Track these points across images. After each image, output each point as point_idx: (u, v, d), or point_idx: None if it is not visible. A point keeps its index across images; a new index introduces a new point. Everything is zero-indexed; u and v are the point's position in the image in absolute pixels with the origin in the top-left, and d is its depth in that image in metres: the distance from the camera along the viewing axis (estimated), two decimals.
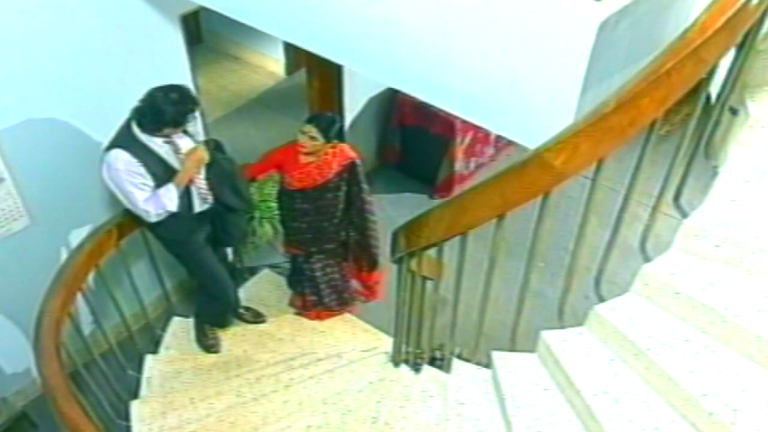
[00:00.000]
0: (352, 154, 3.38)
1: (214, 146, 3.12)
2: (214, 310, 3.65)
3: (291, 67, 6.14)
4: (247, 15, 2.57)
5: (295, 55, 5.90)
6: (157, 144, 2.83)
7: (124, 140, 2.80)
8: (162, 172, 2.87)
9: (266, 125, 5.55)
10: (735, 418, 1.74)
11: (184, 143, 2.95)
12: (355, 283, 3.94)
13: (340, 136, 3.34)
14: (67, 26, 2.83)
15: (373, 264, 3.79)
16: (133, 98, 2.80)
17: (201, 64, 4.97)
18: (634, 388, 2.02)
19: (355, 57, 2.38)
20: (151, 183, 2.85)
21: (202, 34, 6.33)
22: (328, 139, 3.22)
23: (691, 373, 1.87)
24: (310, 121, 3.25)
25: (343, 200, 3.47)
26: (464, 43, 2.00)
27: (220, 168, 3.07)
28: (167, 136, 2.84)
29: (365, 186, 3.47)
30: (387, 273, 3.63)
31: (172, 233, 3.08)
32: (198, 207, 3.05)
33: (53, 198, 3.18)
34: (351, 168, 3.38)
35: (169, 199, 2.88)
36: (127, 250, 3.26)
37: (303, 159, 3.29)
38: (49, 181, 3.13)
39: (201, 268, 3.34)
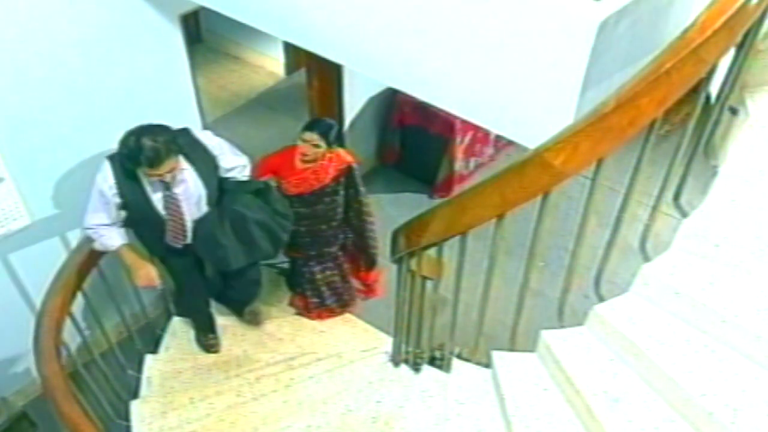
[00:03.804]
0: (349, 158, 3.37)
1: (252, 198, 3.00)
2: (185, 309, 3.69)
3: (291, 67, 6.14)
4: (247, 15, 2.57)
5: (295, 55, 5.89)
6: (147, 179, 2.74)
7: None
8: (139, 205, 2.79)
9: (266, 125, 5.55)
10: (735, 418, 1.74)
11: (181, 178, 2.78)
12: (355, 283, 3.94)
13: (339, 140, 3.33)
14: (66, 26, 2.83)
15: (370, 264, 3.79)
16: (133, 98, 2.80)
17: (201, 64, 4.98)
18: (634, 388, 2.02)
19: (355, 57, 2.38)
20: (108, 220, 2.80)
21: (202, 33, 6.33)
22: (329, 145, 3.21)
23: (691, 373, 1.87)
24: (311, 128, 3.21)
25: (342, 204, 3.46)
26: (464, 42, 2.00)
27: (248, 231, 2.98)
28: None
29: (362, 189, 3.46)
30: (387, 272, 3.63)
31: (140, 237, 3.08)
32: (170, 241, 2.98)
33: (53, 198, 3.18)
34: (347, 172, 3.36)
35: (108, 242, 2.84)
36: None
37: (299, 165, 3.28)
38: (49, 181, 3.14)
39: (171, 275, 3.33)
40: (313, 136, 3.16)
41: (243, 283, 3.40)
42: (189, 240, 2.97)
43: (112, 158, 2.73)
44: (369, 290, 3.97)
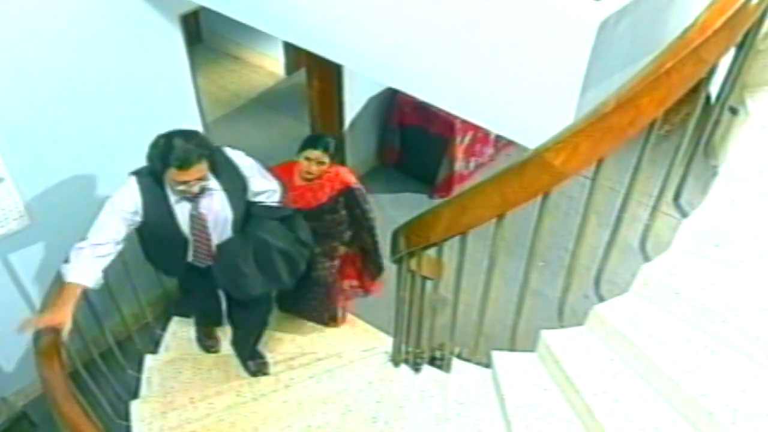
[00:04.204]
0: (349, 179, 3.28)
1: (286, 230, 2.91)
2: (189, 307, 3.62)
3: (291, 67, 6.15)
4: (247, 15, 2.57)
5: (295, 55, 5.90)
6: (174, 195, 2.64)
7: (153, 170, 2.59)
8: (163, 224, 2.66)
9: (266, 125, 5.56)
10: (735, 418, 1.74)
11: (208, 198, 2.67)
12: (354, 282, 3.89)
13: (339, 152, 3.26)
14: (66, 26, 2.83)
15: (379, 272, 3.69)
16: (133, 98, 2.79)
17: (201, 64, 4.98)
18: (634, 388, 2.02)
19: (355, 57, 2.38)
20: (109, 239, 2.59)
21: (202, 34, 6.34)
22: (332, 159, 3.17)
23: (691, 373, 1.87)
24: (314, 146, 3.13)
25: (346, 221, 3.38)
26: (464, 43, 2.00)
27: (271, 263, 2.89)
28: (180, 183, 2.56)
29: (367, 206, 3.36)
30: (387, 273, 3.61)
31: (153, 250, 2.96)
32: (193, 260, 2.90)
33: (53, 198, 3.18)
34: (347, 193, 3.27)
35: (76, 272, 2.55)
36: (127, 250, 3.26)
37: (299, 182, 3.21)
38: (49, 181, 3.13)
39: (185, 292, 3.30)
40: (317, 154, 3.11)
41: (248, 311, 3.27)
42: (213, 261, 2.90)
43: (138, 173, 2.63)
44: (367, 290, 3.93)
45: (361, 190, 3.32)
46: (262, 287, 2.98)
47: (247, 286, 2.92)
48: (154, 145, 2.52)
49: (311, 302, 3.71)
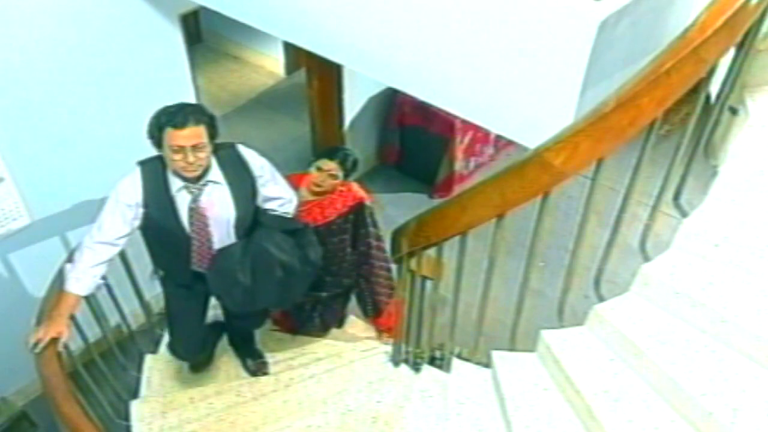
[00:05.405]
0: (362, 194, 3.06)
1: (296, 241, 2.68)
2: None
3: (291, 66, 6.15)
4: (247, 15, 2.58)
5: (295, 55, 5.91)
6: (175, 183, 2.50)
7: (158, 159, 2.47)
8: (164, 218, 2.53)
9: (266, 125, 5.56)
10: (735, 418, 1.74)
11: (211, 192, 2.51)
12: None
13: (354, 170, 3.04)
14: (66, 25, 2.83)
15: (375, 312, 3.45)
16: (133, 98, 2.79)
17: (201, 64, 5.00)
18: (634, 388, 2.02)
19: (355, 57, 2.38)
20: (114, 237, 2.53)
21: (202, 33, 6.35)
22: (346, 175, 2.96)
23: (691, 372, 1.87)
24: (330, 156, 2.91)
25: (350, 244, 3.16)
26: (464, 42, 2.00)
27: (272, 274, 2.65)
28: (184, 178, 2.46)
29: (373, 229, 3.13)
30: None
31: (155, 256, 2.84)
32: (194, 265, 2.72)
33: (53, 198, 3.18)
34: (358, 209, 3.06)
35: (72, 277, 2.53)
36: (127, 250, 3.26)
37: (306, 196, 2.99)
38: (49, 181, 3.14)
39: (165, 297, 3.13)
40: (331, 165, 2.88)
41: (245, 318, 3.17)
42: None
43: (143, 164, 2.51)
44: (385, 329, 3.54)
45: (372, 209, 3.10)
46: (254, 303, 2.76)
47: (239, 297, 2.70)
48: (153, 115, 2.38)
49: (313, 321, 3.54)
